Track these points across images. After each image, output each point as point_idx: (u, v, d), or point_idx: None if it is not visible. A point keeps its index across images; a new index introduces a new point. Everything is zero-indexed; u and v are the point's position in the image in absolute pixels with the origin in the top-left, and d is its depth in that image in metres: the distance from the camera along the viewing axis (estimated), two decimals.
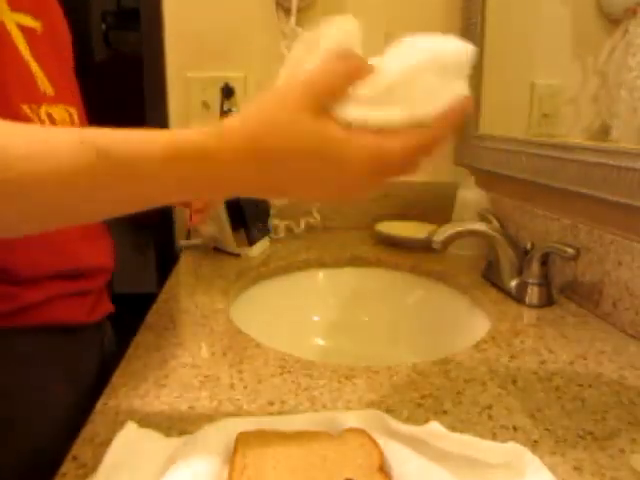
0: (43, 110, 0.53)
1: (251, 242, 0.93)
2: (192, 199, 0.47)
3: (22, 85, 0.52)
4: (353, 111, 0.34)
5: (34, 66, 0.53)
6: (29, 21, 0.54)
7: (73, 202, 0.35)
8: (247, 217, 0.90)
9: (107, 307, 0.65)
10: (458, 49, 0.37)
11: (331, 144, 0.34)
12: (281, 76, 0.36)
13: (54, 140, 0.33)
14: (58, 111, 0.56)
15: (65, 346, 0.57)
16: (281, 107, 0.34)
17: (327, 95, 0.35)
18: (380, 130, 0.34)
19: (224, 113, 1.01)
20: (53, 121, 0.54)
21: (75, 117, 0.59)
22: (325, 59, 0.36)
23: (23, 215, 0.34)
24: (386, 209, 1.16)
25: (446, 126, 0.37)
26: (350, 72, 0.35)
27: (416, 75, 0.35)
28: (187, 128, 0.34)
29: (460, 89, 0.37)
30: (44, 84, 0.54)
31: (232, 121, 0.35)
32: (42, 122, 0.52)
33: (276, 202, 1.09)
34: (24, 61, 0.52)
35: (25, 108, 0.51)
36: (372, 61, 0.36)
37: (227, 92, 1.07)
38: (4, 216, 0.33)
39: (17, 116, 0.50)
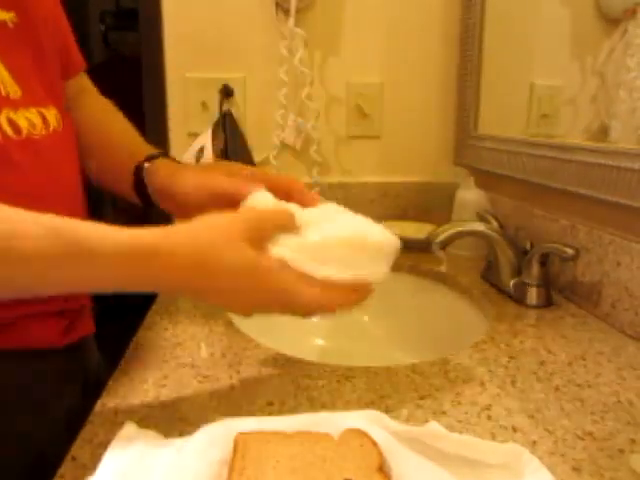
0: (3, 116, 0.48)
1: None
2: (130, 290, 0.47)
3: None
4: (279, 251, 0.42)
5: None
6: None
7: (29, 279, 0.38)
8: None
9: (87, 328, 0.60)
10: (381, 238, 0.44)
11: (256, 268, 0.42)
12: None
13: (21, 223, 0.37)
14: (26, 115, 0.50)
15: (35, 373, 0.52)
16: (225, 234, 0.42)
17: (260, 233, 0.43)
18: (301, 273, 0.42)
19: (223, 113, 1.01)
20: (16, 128, 0.48)
21: (51, 119, 0.53)
22: (263, 210, 0.46)
23: None
24: (385, 209, 1.16)
25: (352, 298, 0.44)
26: (279, 223, 0.44)
27: (334, 243, 0.42)
28: (143, 229, 0.40)
29: (373, 273, 0.42)
30: (9, 86, 0.49)
31: (183, 233, 0.42)
32: (1, 132, 0.47)
33: None
34: None
35: None
36: (300, 216, 0.44)
37: (226, 93, 1.07)
38: None
39: None
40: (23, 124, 0.49)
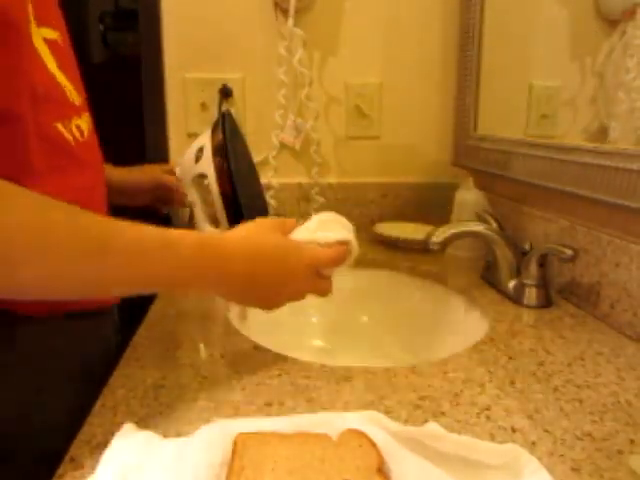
0: (73, 124, 0.56)
1: None
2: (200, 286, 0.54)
3: (54, 102, 0.54)
4: (297, 235, 0.57)
5: (62, 79, 0.55)
6: (51, 33, 0.56)
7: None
8: (245, 216, 0.90)
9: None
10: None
11: (288, 246, 0.55)
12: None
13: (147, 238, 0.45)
14: (83, 121, 0.59)
15: (77, 331, 0.59)
16: (264, 230, 0.55)
17: (284, 228, 0.57)
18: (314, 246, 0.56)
19: (222, 113, 1.01)
20: (82, 133, 0.57)
21: (91, 125, 0.61)
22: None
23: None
24: (384, 210, 1.16)
25: (343, 250, 0.57)
26: (293, 224, 0.59)
27: (325, 222, 0.59)
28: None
29: (345, 235, 0.58)
30: (72, 94, 0.56)
31: (240, 233, 0.54)
32: (73, 136, 0.55)
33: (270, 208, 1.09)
34: (53, 76, 0.54)
35: (59, 126, 0.53)
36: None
37: (225, 93, 1.07)
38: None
39: (50, 136, 0.52)
40: (85, 129, 0.58)
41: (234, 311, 0.70)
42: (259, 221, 0.56)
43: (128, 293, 0.46)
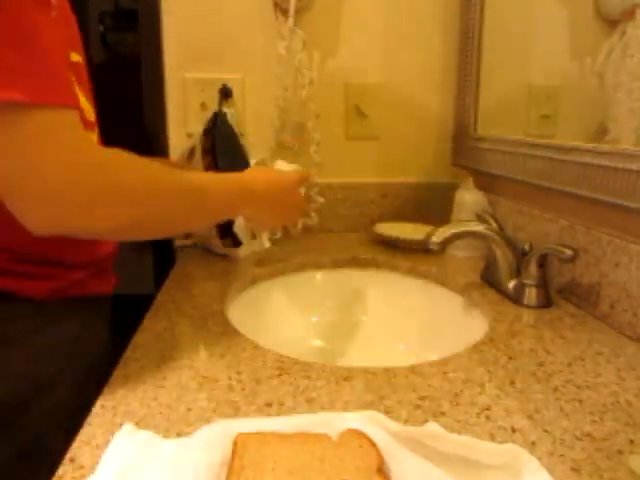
0: (93, 136, 0.63)
1: (236, 243, 0.92)
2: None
3: None
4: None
5: (82, 100, 0.60)
6: (76, 57, 0.62)
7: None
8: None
9: (115, 280, 0.76)
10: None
11: (278, 171, 0.81)
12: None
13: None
14: (94, 134, 0.64)
15: (93, 314, 0.69)
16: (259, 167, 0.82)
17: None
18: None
19: (214, 113, 1.01)
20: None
21: (99, 135, 0.67)
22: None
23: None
24: (384, 210, 1.16)
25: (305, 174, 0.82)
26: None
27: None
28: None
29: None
30: (89, 113, 0.63)
31: (251, 171, 0.75)
32: None
33: None
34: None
35: None
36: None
37: (225, 93, 1.07)
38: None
39: None
40: (95, 140, 0.64)
41: (245, 232, 0.86)
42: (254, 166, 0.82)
43: (196, 228, 0.70)
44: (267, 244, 0.99)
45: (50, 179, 0.45)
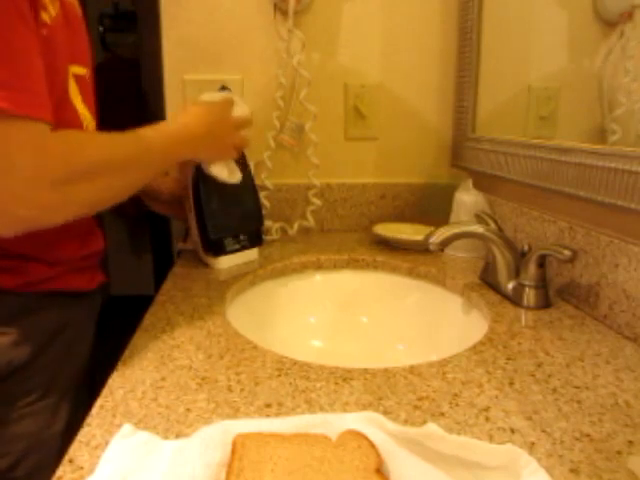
0: None
1: (217, 252, 0.88)
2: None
3: None
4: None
5: (83, 111, 0.66)
6: (81, 70, 0.66)
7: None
8: (209, 226, 0.86)
9: (102, 277, 0.78)
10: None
11: (207, 105, 0.82)
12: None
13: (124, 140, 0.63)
14: None
15: (73, 308, 0.71)
16: (190, 108, 0.80)
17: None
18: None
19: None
20: None
21: None
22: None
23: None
24: (383, 211, 1.16)
25: (245, 120, 0.86)
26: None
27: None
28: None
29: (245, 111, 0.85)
30: (90, 123, 0.68)
31: (182, 115, 0.77)
32: None
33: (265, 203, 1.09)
34: (77, 112, 0.65)
35: None
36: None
37: None
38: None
39: None
40: None
41: (222, 174, 0.84)
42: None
43: (147, 182, 0.68)
44: (255, 255, 0.94)
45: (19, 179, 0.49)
